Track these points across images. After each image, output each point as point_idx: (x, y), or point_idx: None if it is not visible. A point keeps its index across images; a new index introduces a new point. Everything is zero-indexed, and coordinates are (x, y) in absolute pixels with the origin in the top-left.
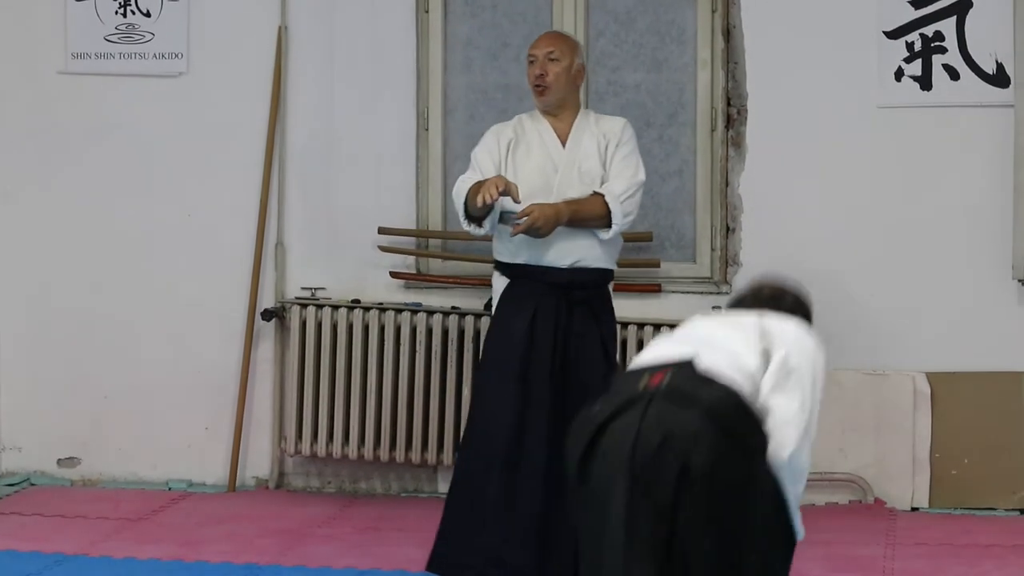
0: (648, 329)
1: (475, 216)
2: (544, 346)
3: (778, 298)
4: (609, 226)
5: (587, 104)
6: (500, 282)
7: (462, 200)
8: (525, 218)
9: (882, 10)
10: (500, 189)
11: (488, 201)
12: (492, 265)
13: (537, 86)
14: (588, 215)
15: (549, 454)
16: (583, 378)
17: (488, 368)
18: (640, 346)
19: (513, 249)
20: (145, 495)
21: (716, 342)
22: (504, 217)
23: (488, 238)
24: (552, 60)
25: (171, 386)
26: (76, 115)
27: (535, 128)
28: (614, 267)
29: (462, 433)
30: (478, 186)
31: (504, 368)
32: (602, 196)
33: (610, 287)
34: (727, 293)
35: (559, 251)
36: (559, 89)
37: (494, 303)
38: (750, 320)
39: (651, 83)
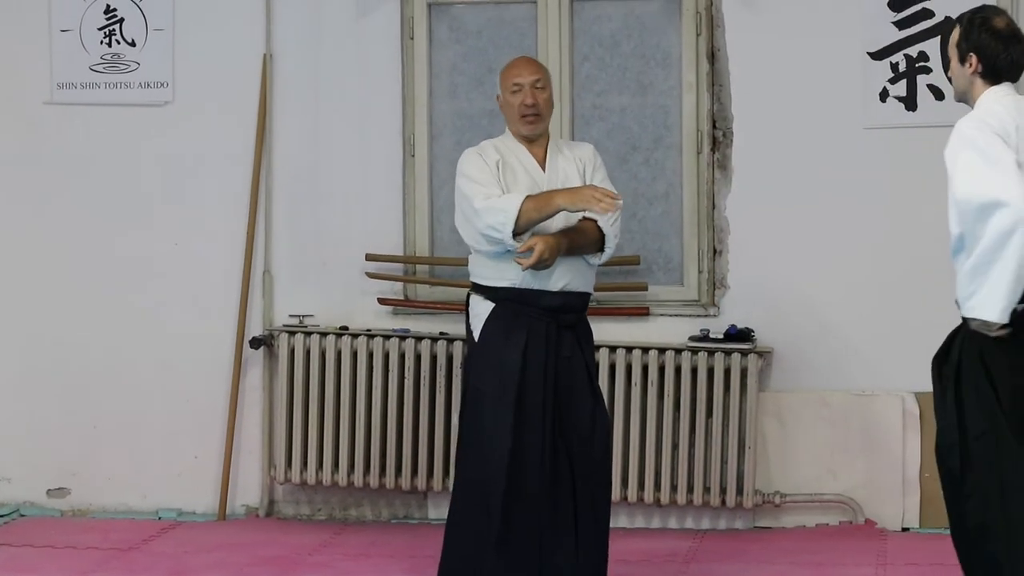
0: (636, 352)
1: (520, 232)
2: (536, 371)
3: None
4: (602, 251)
5: (573, 128)
6: (483, 306)
7: (512, 215)
8: (531, 252)
9: (866, 31)
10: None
11: (611, 210)
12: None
13: (532, 115)
14: (584, 242)
15: (545, 480)
16: (571, 402)
17: (481, 396)
18: (628, 371)
19: (500, 272)
20: (135, 525)
21: None
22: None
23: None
24: (539, 88)
25: (160, 415)
26: (62, 145)
27: (512, 152)
28: (592, 292)
29: (454, 463)
30: (536, 200)
31: (499, 396)
32: (594, 222)
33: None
34: (715, 316)
35: (551, 275)
36: (546, 117)
37: (474, 328)
38: None
39: (636, 107)
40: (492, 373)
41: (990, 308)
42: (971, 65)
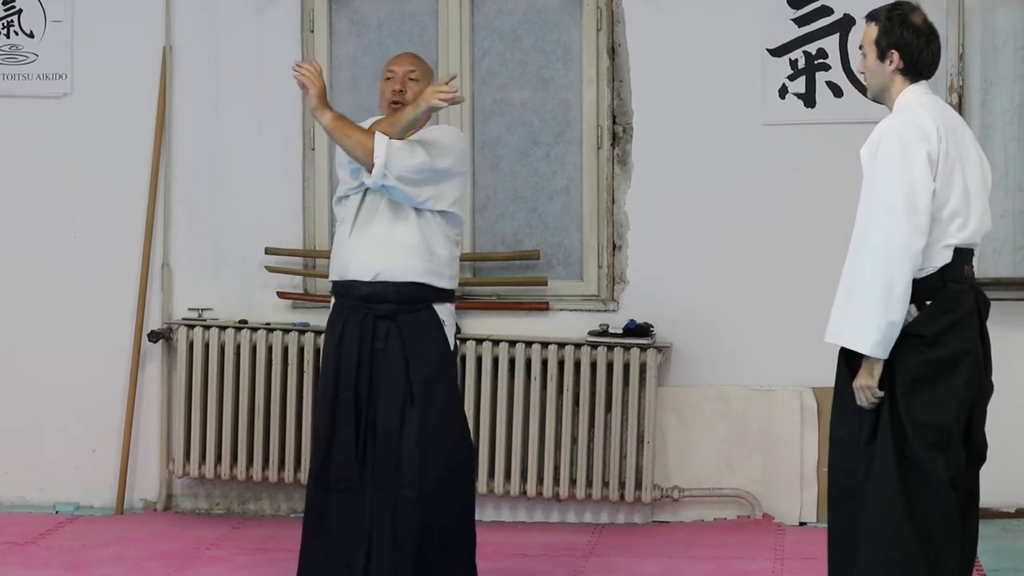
0: (536, 347)
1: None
2: (350, 362)
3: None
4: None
5: (473, 123)
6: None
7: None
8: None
9: (766, 28)
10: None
11: (450, 96)
12: None
13: (395, 103)
14: (350, 134)
15: (356, 470)
16: (379, 397)
17: (318, 392)
18: (528, 366)
19: (332, 265)
20: (32, 519)
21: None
22: None
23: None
24: (412, 80)
25: (58, 408)
26: None
27: None
28: (439, 284)
29: None
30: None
31: (323, 389)
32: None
33: (438, 308)
34: (614, 310)
35: (361, 265)
36: None
37: None
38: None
39: (537, 101)
40: (322, 368)
41: (861, 342)
42: (892, 62)
